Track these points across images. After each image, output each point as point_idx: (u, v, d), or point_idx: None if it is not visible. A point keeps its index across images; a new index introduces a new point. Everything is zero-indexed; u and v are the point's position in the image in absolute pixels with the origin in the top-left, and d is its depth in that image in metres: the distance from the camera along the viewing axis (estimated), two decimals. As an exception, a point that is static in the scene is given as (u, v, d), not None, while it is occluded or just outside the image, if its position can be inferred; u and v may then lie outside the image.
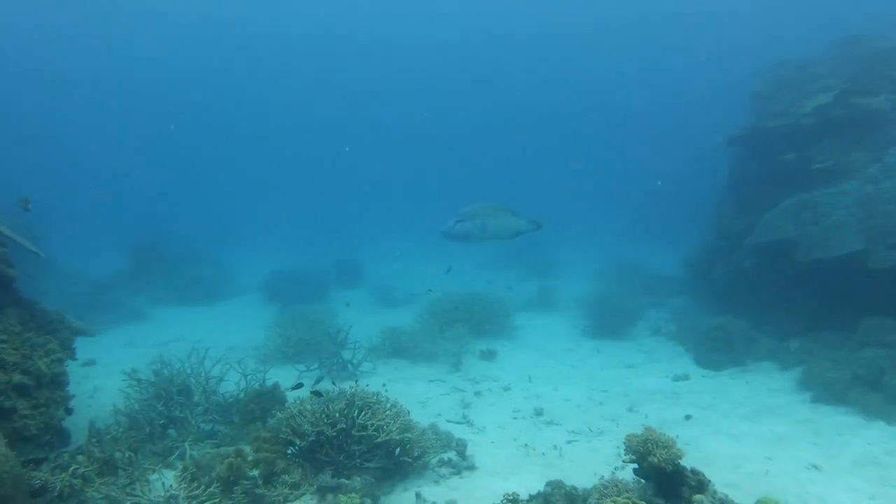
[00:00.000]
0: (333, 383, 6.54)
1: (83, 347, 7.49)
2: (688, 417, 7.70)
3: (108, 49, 42.67)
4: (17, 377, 5.43)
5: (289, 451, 5.81)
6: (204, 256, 19.50)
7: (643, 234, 26.58)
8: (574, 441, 7.03)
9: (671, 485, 4.40)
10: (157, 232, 20.80)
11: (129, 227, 22.86)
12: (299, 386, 6.50)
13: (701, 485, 4.39)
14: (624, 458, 4.57)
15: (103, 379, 9.26)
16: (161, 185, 47.82)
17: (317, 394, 5.91)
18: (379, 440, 5.65)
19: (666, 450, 4.35)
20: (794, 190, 9.99)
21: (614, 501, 4.24)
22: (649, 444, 4.39)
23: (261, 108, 51.96)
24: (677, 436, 4.54)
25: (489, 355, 10.65)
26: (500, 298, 13.00)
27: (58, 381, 5.87)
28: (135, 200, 40.61)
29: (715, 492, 4.40)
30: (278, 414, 6.18)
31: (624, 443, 4.55)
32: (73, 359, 6.67)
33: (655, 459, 4.31)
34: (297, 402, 6.22)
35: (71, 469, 5.00)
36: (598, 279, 18.27)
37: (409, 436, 5.91)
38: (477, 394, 8.82)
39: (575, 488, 4.97)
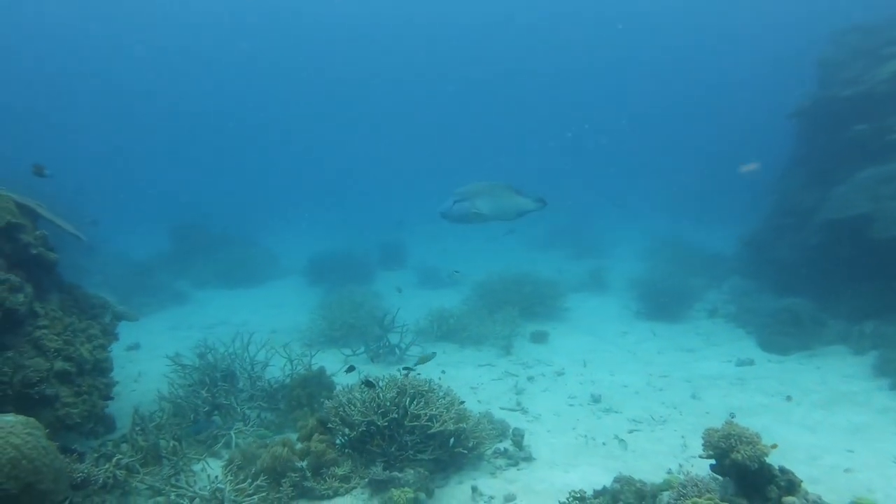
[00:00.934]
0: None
1: (127, 331, 7.36)
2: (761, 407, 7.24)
3: (155, 41, 42.96)
4: (58, 364, 5.25)
5: (338, 442, 5.53)
6: (246, 238, 19.43)
7: (693, 212, 25.87)
8: (636, 430, 6.62)
9: (755, 484, 3.99)
10: (199, 214, 20.79)
11: (173, 210, 22.88)
12: (351, 369, 6.19)
13: (791, 485, 3.97)
14: (702, 453, 4.17)
15: (147, 363, 9.14)
16: (204, 169, 48.49)
17: (369, 384, 5.60)
18: (433, 430, 5.32)
19: (751, 446, 3.93)
20: (868, 163, 9.35)
21: (695, 503, 3.86)
22: (732, 440, 3.98)
23: (302, 94, 52.15)
24: (745, 425, 4.12)
25: (540, 338, 10.26)
26: (550, 279, 12.57)
27: (100, 368, 5.68)
28: (178, 184, 41.04)
29: (807, 493, 3.97)
30: (326, 401, 5.90)
31: (703, 437, 4.16)
32: (116, 341, 6.50)
33: (739, 456, 3.90)
34: (346, 389, 5.94)
35: (115, 459, 4.79)
36: (649, 258, 17.70)
37: (464, 426, 5.56)
38: (530, 379, 8.46)
39: (644, 484, 4.59)
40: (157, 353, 9.75)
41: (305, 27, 45.35)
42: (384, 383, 5.73)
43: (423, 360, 6.28)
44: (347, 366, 6.39)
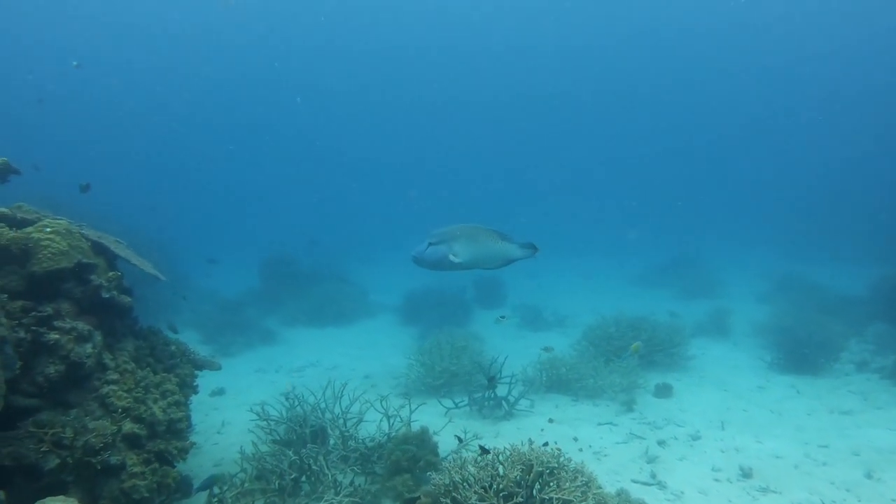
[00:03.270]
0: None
1: (212, 373, 6.66)
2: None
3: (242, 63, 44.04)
4: (127, 426, 4.50)
5: (450, 530, 4.53)
6: (336, 273, 18.82)
7: (808, 247, 23.90)
8: (807, 520, 5.36)
9: None
10: (288, 248, 20.38)
11: (262, 244, 22.65)
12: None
13: None
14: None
15: (232, 411, 8.46)
16: (295, 202, 49.19)
17: (484, 450, 4.61)
18: (568, 522, 4.26)
19: None
20: None
21: None
22: None
23: (390, 125, 52.36)
24: None
25: (665, 392, 8.99)
26: (668, 323, 11.27)
27: (175, 430, 4.91)
28: (268, 216, 41.58)
29: None
30: (433, 474, 4.93)
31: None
32: (195, 394, 5.77)
33: None
34: (457, 459, 4.95)
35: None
36: (769, 300, 16.09)
37: (604, 514, 4.47)
38: (661, 443, 7.23)
39: None
40: (242, 399, 9.12)
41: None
42: (505, 456, 4.71)
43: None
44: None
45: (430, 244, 5.49)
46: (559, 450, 4.71)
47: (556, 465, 4.63)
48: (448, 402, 8.31)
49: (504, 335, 13.39)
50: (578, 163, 52.43)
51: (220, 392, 9.42)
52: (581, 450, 7.05)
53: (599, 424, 7.93)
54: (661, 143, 49.98)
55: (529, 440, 4.93)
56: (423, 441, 5.99)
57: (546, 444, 4.87)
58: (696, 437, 7.39)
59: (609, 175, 51.42)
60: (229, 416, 8.27)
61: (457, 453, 6.41)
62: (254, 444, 6.12)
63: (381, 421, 6.73)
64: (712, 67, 42.58)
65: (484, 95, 48.12)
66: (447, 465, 4.94)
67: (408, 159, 55.12)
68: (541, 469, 4.50)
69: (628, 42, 41.18)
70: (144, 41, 39.04)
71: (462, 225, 5.62)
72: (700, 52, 41.16)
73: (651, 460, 6.72)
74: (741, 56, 40.96)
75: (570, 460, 4.83)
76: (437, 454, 5.97)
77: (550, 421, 7.98)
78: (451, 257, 5.45)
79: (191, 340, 12.59)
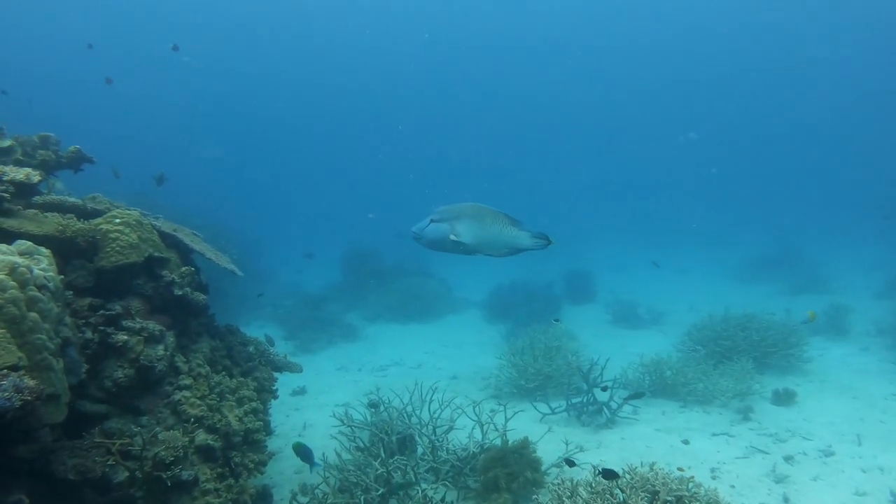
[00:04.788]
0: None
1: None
2: None
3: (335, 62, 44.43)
4: (200, 436, 4.09)
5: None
6: (420, 268, 18.35)
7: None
8: None
9: None
10: (372, 242, 20.01)
11: (345, 237, 22.40)
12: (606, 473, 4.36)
13: None
14: None
15: (314, 412, 8.09)
16: (378, 195, 49.37)
17: (610, 474, 3.96)
18: (703, 563, 3.58)
19: None
20: None
21: None
22: None
23: (478, 118, 51.85)
24: None
25: (785, 399, 8.05)
26: (782, 322, 10.23)
27: (251, 441, 4.47)
28: (352, 210, 41.75)
29: None
30: (538, 495, 4.33)
31: None
32: (275, 399, 5.35)
33: None
34: (566, 482, 4.33)
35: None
36: (889, 296, 14.64)
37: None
38: (788, 459, 6.37)
39: None
40: (324, 399, 8.77)
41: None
42: (626, 480, 4.06)
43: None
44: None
45: (432, 221, 4.80)
46: (692, 478, 4.03)
47: (687, 494, 3.96)
48: (543, 407, 7.67)
49: (597, 333, 12.62)
50: (669, 154, 50.53)
51: (301, 391, 9.08)
52: (687, 467, 6.28)
53: (714, 435, 7.11)
54: (760, 132, 47.59)
55: (651, 464, 4.26)
56: (522, 457, 5.40)
57: (680, 469, 4.21)
58: (828, 453, 6.50)
59: (701, 166, 49.33)
60: (311, 417, 7.90)
61: (558, 467, 5.81)
62: (337, 452, 5.67)
63: (473, 428, 6.17)
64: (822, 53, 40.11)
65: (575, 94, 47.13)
66: (555, 487, 4.33)
67: (489, 157, 54.43)
68: (669, 499, 3.84)
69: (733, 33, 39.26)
70: (249, 42, 40.02)
71: (470, 203, 4.91)
72: (806, 35, 38.81)
73: (780, 480, 5.89)
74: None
75: (700, 486, 4.15)
76: (537, 469, 5.37)
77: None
78: (452, 237, 4.74)
79: (273, 336, 12.44)
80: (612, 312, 14.06)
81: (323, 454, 5.68)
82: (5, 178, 3.95)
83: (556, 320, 9.47)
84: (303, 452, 5.36)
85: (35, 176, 4.15)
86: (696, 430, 7.28)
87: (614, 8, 38.60)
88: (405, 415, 6.29)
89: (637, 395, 7.47)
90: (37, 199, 4.47)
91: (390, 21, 40.56)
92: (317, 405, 8.49)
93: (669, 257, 22.82)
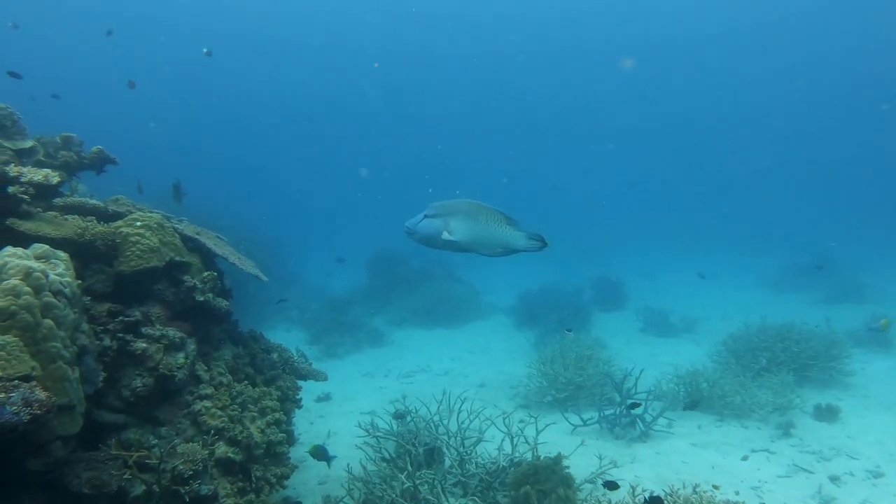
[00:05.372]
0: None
1: (318, 376, 6.11)
2: None
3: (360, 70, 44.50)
4: (221, 449, 3.92)
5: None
6: (447, 272, 18.11)
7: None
8: None
9: None
10: (397, 245, 19.78)
11: (372, 240, 22.23)
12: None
13: None
14: None
15: (339, 419, 7.93)
16: (404, 196, 49.35)
17: (656, 501, 3.73)
18: None
19: None
20: None
21: None
22: None
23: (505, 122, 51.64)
24: None
25: (828, 415, 7.70)
26: (823, 333, 9.84)
27: (274, 453, 4.30)
28: (377, 212, 41.74)
29: None
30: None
31: None
32: (298, 409, 5.18)
33: None
34: (600, 498, 4.11)
35: None
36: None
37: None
38: (833, 480, 6.06)
39: None
40: (349, 406, 8.60)
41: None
42: (667, 505, 3.83)
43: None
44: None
45: (426, 216, 4.58)
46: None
47: (732, 519, 3.71)
48: (574, 419, 7.42)
49: (628, 341, 12.31)
50: (703, 160, 49.88)
51: (326, 398, 8.92)
52: (728, 487, 5.99)
53: (753, 451, 6.81)
54: (791, 139, 46.78)
55: (695, 486, 4.02)
56: (554, 473, 5.16)
57: (715, 486, 3.96)
58: (877, 475, 6.18)
59: (732, 172, 48.54)
60: (336, 424, 7.73)
61: (592, 483, 5.57)
62: (362, 464, 5.48)
63: (502, 440, 5.95)
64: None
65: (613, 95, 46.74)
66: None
67: (510, 158, 54.12)
68: (715, 525, 3.60)
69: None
70: (279, 48, 40.38)
71: (466, 200, 4.68)
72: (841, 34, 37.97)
73: (827, 502, 5.60)
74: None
75: (744, 509, 3.90)
76: (570, 486, 5.11)
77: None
78: (445, 234, 4.52)
79: (298, 340, 12.33)
80: (642, 320, 13.72)
81: (348, 465, 5.49)
82: (23, 180, 3.82)
83: (569, 330, 9.29)
84: (320, 453, 5.24)
85: (54, 177, 4.02)
86: (734, 446, 6.99)
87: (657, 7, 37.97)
88: (432, 425, 6.10)
89: (692, 405, 7.27)
90: (57, 201, 4.35)
91: (437, 23, 40.37)
92: (342, 412, 8.32)
93: (700, 264, 22.40)
